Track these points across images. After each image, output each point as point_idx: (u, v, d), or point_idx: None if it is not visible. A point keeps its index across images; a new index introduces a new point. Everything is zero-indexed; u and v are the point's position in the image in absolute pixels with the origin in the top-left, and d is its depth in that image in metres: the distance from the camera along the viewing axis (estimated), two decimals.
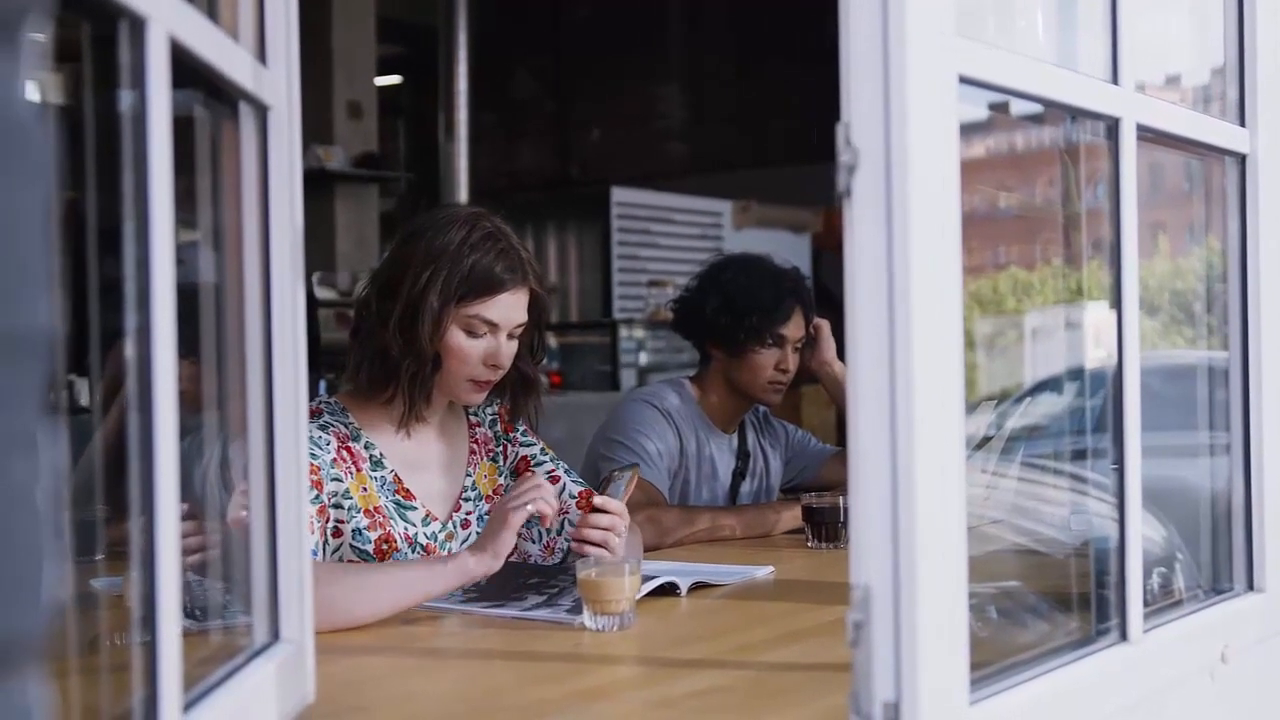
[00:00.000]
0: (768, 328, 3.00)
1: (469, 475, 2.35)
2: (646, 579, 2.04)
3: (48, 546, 0.61)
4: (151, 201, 1.01)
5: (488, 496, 2.36)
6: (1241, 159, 1.82)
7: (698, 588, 2.19)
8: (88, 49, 1.03)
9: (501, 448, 2.42)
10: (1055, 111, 1.61)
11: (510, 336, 2.23)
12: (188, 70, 1.12)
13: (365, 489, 2.19)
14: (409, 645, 1.84)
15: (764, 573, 2.36)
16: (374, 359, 2.21)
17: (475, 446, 2.38)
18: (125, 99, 1.02)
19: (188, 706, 1.09)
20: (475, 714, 1.53)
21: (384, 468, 2.23)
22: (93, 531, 1.51)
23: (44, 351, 0.61)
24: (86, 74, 1.03)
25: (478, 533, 2.30)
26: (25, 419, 0.59)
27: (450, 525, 2.29)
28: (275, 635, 1.38)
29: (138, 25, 1.00)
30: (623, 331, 7.60)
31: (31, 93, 0.61)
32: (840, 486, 2.94)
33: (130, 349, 1.02)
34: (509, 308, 2.21)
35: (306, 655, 1.42)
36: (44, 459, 0.61)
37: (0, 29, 0.58)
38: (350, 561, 2.16)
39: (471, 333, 2.19)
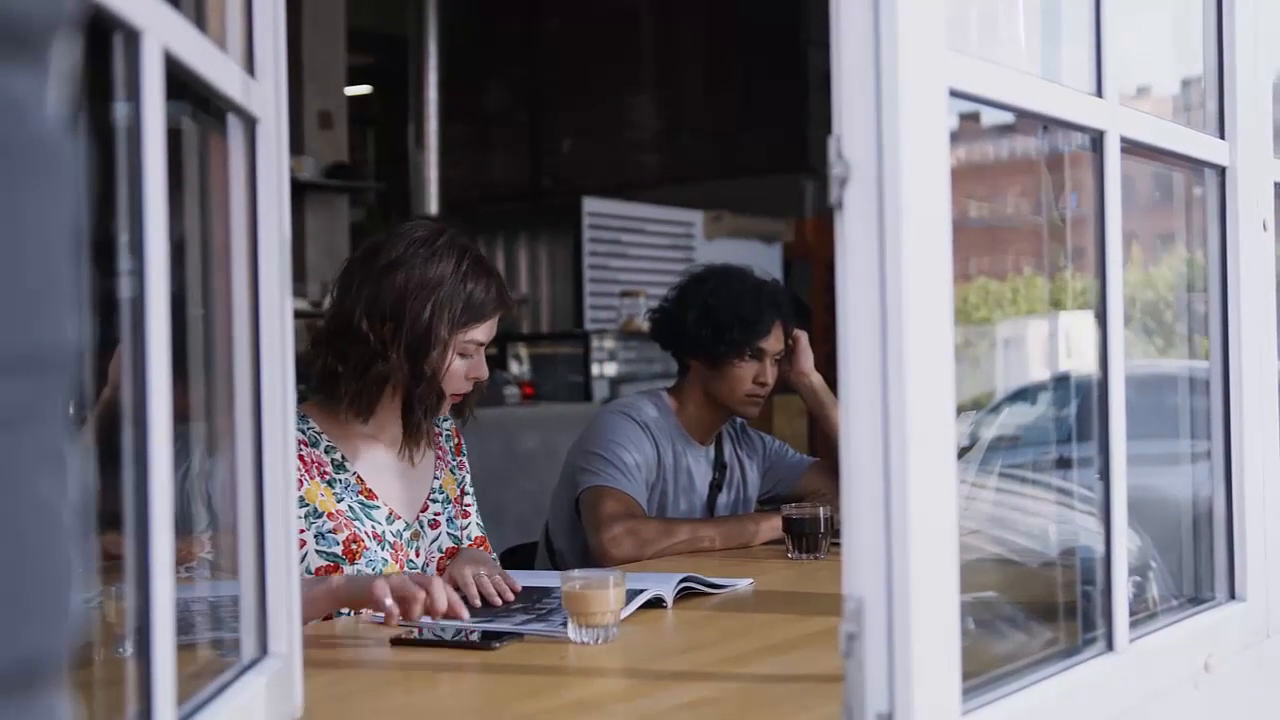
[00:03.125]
0: (748, 341, 3.00)
1: (436, 478, 2.43)
2: (632, 593, 2.04)
3: (75, 563, 0.61)
4: (146, 212, 1.01)
5: (454, 500, 2.45)
6: (1221, 170, 1.84)
7: (684, 595, 2.19)
8: (81, 59, 1.02)
9: (458, 462, 2.53)
10: (1026, 122, 1.62)
11: (486, 350, 2.36)
12: (177, 82, 1.11)
13: (324, 494, 2.24)
14: (396, 660, 1.84)
15: (745, 584, 2.36)
16: (374, 386, 2.26)
17: (440, 452, 2.47)
18: (119, 110, 1.01)
19: None
20: None
21: (347, 470, 2.29)
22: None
23: (70, 368, 0.60)
24: (79, 85, 1.02)
25: (448, 533, 2.41)
26: (53, 436, 0.59)
27: (417, 525, 2.36)
28: (264, 650, 1.37)
29: (132, 37, 0.99)
30: (595, 342, 7.59)
31: (59, 108, 0.61)
32: (818, 497, 2.94)
33: (123, 361, 1.01)
34: (494, 327, 2.35)
35: (295, 670, 1.41)
36: (70, 475, 0.60)
37: (27, 46, 0.58)
38: (317, 569, 2.20)
39: (463, 355, 2.30)
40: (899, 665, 1.16)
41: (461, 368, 2.30)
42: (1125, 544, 1.54)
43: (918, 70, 1.18)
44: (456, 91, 9.15)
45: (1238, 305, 1.84)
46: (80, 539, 0.62)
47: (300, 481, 2.20)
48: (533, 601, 2.14)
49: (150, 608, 1.01)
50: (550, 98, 10.29)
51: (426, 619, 2.00)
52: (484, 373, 2.35)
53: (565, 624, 1.89)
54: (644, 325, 3.25)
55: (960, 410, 2.26)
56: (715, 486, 3.15)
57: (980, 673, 1.34)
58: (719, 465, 3.17)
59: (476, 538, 2.46)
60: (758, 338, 3.01)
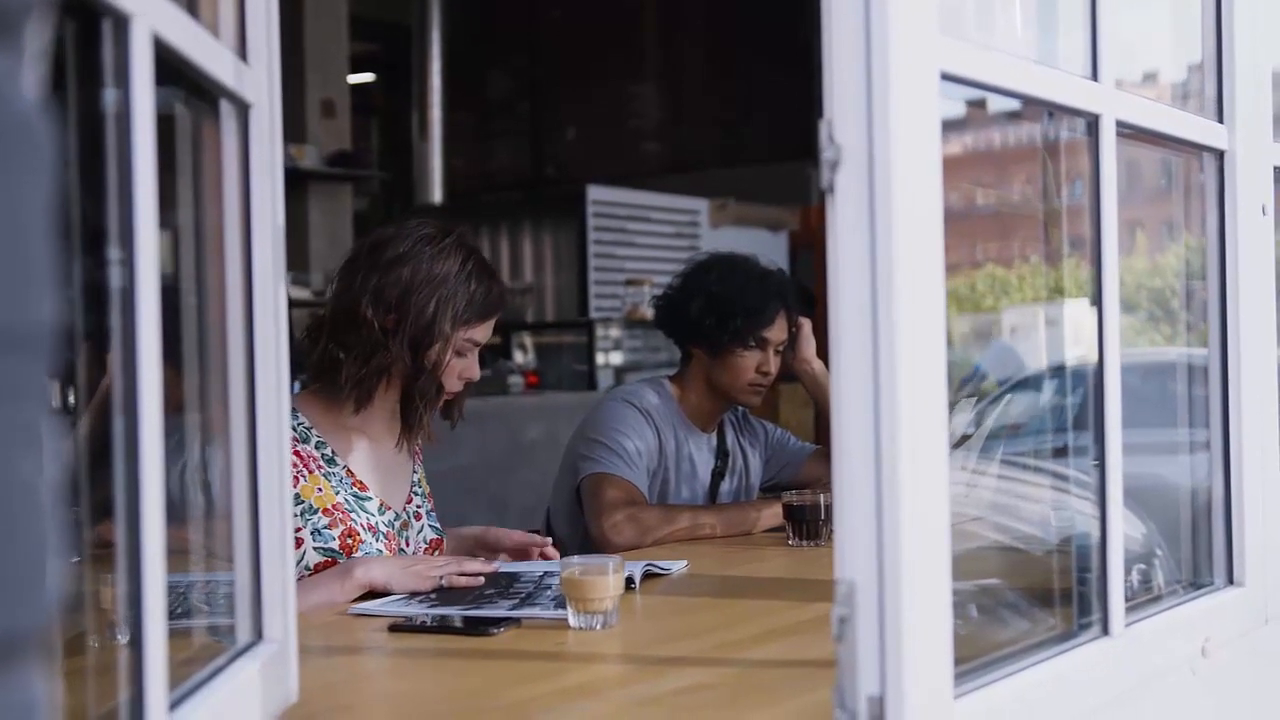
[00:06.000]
0: (751, 330, 2.99)
1: (415, 472, 2.48)
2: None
3: (52, 541, 0.61)
4: (136, 200, 1.01)
5: (428, 496, 2.51)
6: (1220, 155, 1.83)
7: (683, 581, 2.21)
8: (70, 45, 1.02)
9: (422, 460, 2.56)
10: (1033, 108, 1.62)
11: (481, 350, 2.40)
12: (168, 67, 1.11)
13: (320, 489, 2.27)
14: (392, 645, 1.84)
15: (680, 566, 2.40)
16: (374, 375, 2.29)
17: (417, 449, 2.51)
18: (108, 97, 1.01)
19: (173, 706, 1.09)
20: (460, 714, 1.53)
21: (337, 464, 2.32)
22: (72, 533, 1.50)
23: (47, 347, 0.61)
24: (68, 71, 1.03)
25: (430, 525, 2.46)
26: (30, 413, 0.59)
27: (405, 515, 2.41)
28: (259, 635, 1.37)
29: (121, 23, 0.99)
30: (599, 331, 7.59)
31: (33, 89, 0.61)
32: (820, 485, 2.94)
33: (114, 351, 1.02)
34: (490, 328, 2.39)
35: (290, 655, 1.42)
36: (47, 453, 0.61)
37: (2, 27, 0.58)
38: (316, 565, 2.23)
39: (459, 353, 2.34)
40: (890, 648, 1.16)
41: (456, 366, 2.34)
42: (1121, 529, 1.54)
43: (909, 53, 1.18)
44: (460, 80, 9.15)
45: (1236, 291, 1.83)
46: (58, 517, 0.62)
47: (297, 478, 2.22)
48: (505, 587, 2.14)
49: (142, 593, 1.01)
50: (553, 86, 10.30)
51: (417, 608, 2.01)
52: (475, 374, 2.40)
53: (557, 606, 1.90)
54: (649, 313, 3.25)
55: (967, 397, 2.26)
56: (718, 474, 3.15)
57: (976, 656, 1.35)
58: (721, 453, 3.17)
59: (432, 540, 2.48)
60: (761, 327, 3.00)
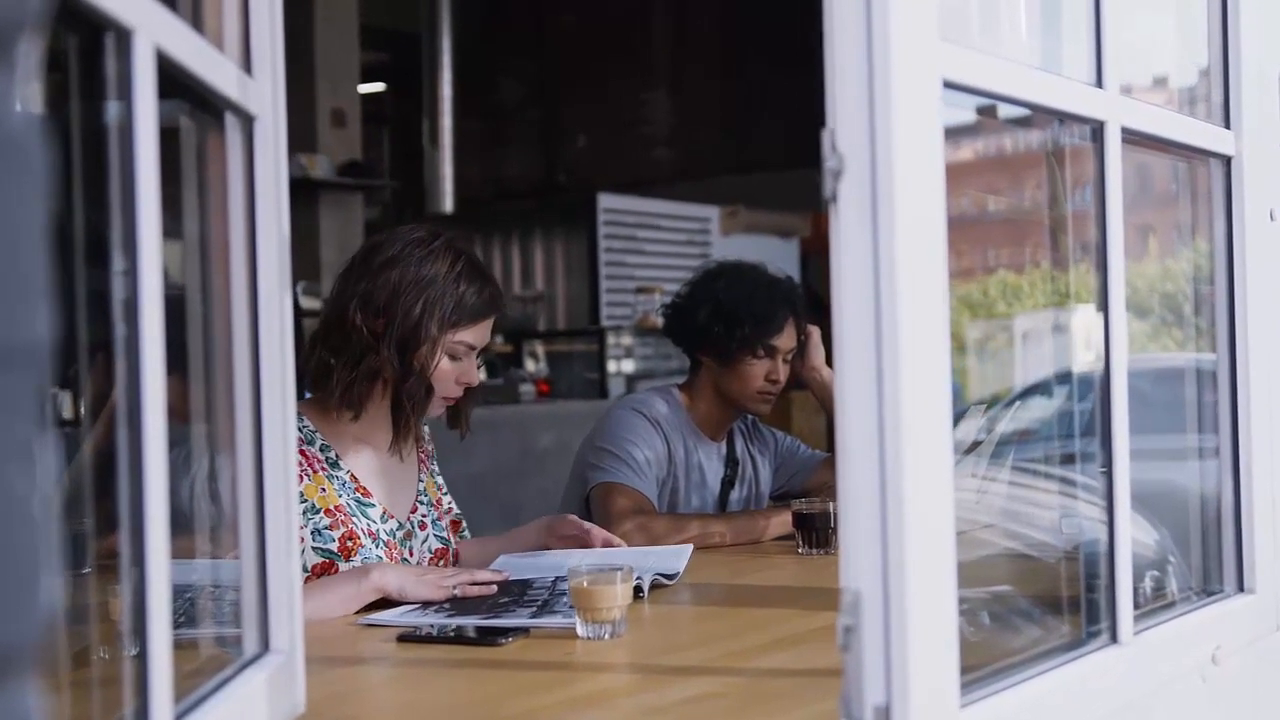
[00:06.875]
0: (760, 338, 2.99)
1: (420, 481, 2.48)
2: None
3: (45, 555, 0.61)
4: (139, 212, 1.01)
5: (435, 504, 2.49)
6: (1226, 161, 1.83)
7: (656, 587, 2.22)
8: (73, 59, 1.02)
9: (435, 468, 2.56)
10: (1042, 115, 1.61)
11: (479, 356, 2.38)
12: (173, 80, 1.11)
13: (324, 490, 2.28)
14: (399, 656, 1.84)
15: (685, 553, 2.42)
16: (364, 380, 2.29)
17: (423, 457, 2.51)
18: (111, 110, 1.02)
19: (179, 717, 1.09)
20: None
21: (341, 469, 2.32)
22: (81, 545, 1.51)
23: (41, 363, 0.61)
24: (71, 84, 1.03)
25: (435, 535, 2.45)
26: (23, 429, 0.59)
27: (409, 525, 2.40)
28: (265, 646, 1.37)
29: (124, 36, 1.00)
30: (610, 339, 7.59)
31: (27, 105, 0.61)
32: (830, 492, 2.94)
33: (118, 362, 1.02)
34: (487, 331, 2.38)
35: (297, 666, 1.42)
36: (40, 469, 0.61)
37: None
38: (314, 566, 2.24)
39: (453, 356, 2.33)
40: (895, 658, 1.16)
41: (451, 370, 2.32)
42: (1129, 535, 1.54)
43: (910, 62, 1.18)
44: (470, 88, 9.16)
45: (1245, 296, 1.83)
46: (52, 532, 0.62)
47: (301, 477, 2.22)
48: (519, 595, 2.14)
49: (146, 605, 1.01)
50: (564, 94, 10.30)
51: (432, 618, 2.01)
52: (474, 378, 2.37)
53: (568, 613, 1.90)
54: (659, 321, 3.25)
55: (977, 404, 2.25)
56: (728, 483, 3.15)
57: (983, 665, 1.34)
58: (731, 461, 3.16)
59: (438, 549, 2.48)
60: (769, 335, 3.00)
